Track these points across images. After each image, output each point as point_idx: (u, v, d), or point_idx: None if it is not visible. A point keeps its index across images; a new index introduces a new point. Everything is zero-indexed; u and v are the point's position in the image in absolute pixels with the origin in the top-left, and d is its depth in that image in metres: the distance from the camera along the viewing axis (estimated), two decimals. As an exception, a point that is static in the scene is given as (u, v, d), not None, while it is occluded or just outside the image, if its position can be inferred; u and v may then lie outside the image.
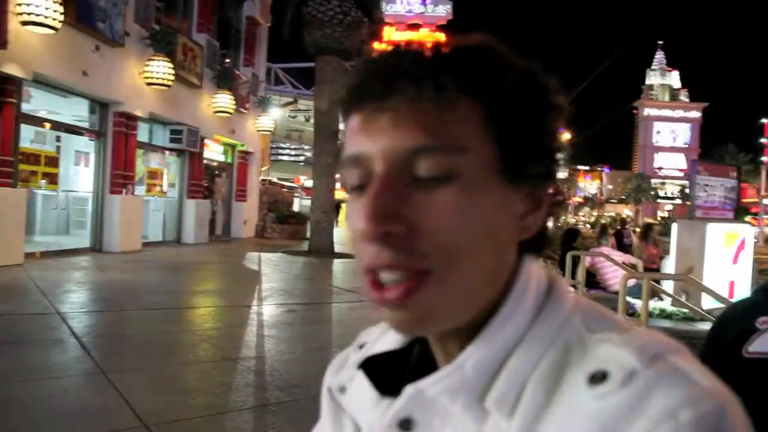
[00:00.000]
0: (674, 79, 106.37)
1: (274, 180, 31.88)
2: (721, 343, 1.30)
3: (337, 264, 12.70)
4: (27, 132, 9.89)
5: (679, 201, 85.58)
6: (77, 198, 12.51)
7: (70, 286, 7.64)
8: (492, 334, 0.46)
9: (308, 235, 14.95)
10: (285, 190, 24.85)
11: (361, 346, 0.61)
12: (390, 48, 0.48)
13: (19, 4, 8.25)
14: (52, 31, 8.68)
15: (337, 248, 14.75)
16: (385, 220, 0.43)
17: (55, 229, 12.48)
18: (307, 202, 18.13)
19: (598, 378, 0.40)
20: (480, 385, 0.45)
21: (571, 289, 0.51)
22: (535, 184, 0.49)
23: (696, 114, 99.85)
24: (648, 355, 0.40)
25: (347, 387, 0.56)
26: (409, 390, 0.47)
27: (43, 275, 8.02)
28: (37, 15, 8.31)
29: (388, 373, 0.53)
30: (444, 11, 41.22)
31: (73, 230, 13.02)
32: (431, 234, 0.44)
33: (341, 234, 16.70)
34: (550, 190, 0.50)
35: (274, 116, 18.70)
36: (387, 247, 0.44)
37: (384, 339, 0.58)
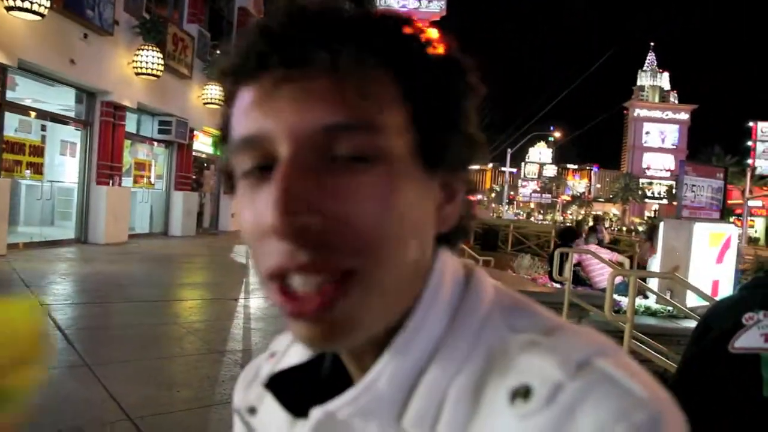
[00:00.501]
0: (665, 80, 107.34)
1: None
2: (707, 339, 1.31)
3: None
4: (11, 120, 9.74)
5: (665, 201, 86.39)
6: (63, 188, 12.38)
7: (55, 278, 7.55)
8: (406, 342, 0.41)
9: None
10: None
11: (272, 355, 0.55)
12: (291, 6, 0.41)
13: (5, -10, 8.13)
14: (38, 18, 8.55)
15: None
16: (298, 211, 0.36)
17: (40, 219, 12.33)
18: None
19: (521, 393, 0.36)
20: (396, 403, 0.40)
21: (491, 279, 0.46)
22: (452, 173, 0.44)
23: (684, 116, 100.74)
24: (574, 363, 0.36)
25: (257, 407, 0.51)
26: (316, 414, 0.42)
27: (27, 266, 7.93)
28: (23, 1, 8.18)
29: (299, 391, 0.47)
30: (438, 7, 41.15)
31: (58, 221, 12.89)
32: (354, 225, 0.37)
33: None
34: (465, 181, 0.46)
35: (264, 109, 18.63)
36: (302, 244, 0.37)
37: (294, 349, 0.52)
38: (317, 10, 0.40)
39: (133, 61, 11.64)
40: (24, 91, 10.36)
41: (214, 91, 14.76)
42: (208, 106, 14.94)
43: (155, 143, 14.05)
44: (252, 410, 0.51)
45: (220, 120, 0.45)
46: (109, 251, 10.40)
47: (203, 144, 16.50)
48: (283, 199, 0.36)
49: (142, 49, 11.62)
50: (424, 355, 0.41)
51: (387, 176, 0.38)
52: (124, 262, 9.28)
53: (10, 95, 9.27)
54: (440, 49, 0.43)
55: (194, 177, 15.73)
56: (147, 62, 11.63)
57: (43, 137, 11.66)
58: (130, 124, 12.74)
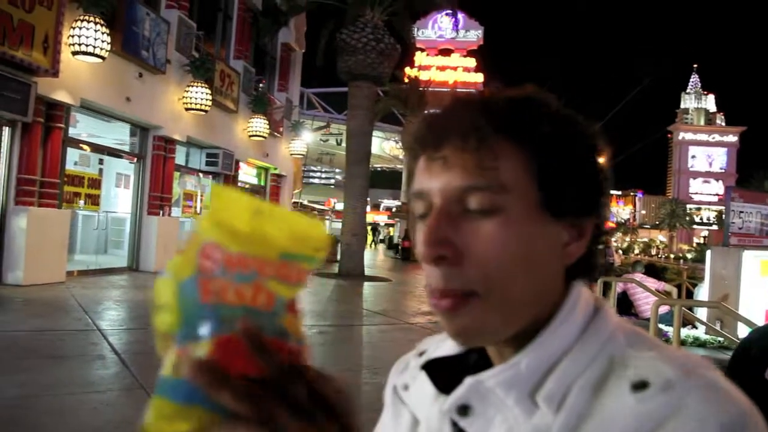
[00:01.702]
0: (710, 102, 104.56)
1: (305, 203, 32.26)
2: (743, 366, 1.35)
3: (367, 287, 12.78)
4: (72, 155, 10.31)
5: (715, 227, 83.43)
6: (116, 219, 12.91)
7: (110, 304, 7.88)
8: (544, 341, 0.53)
9: (338, 257, 15.08)
10: (316, 212, 25.12)
11: (420, 353, 0.69)
12: (443, 104, 0.58)
13: (71, 35, 8.69)
14: (99, 60, 9.10)
15: (368, 271, 14.84)
16: (437, 245, 0.52)
17: (95, 248, 12.87)
18: (338, 225, 18.32)
19: (639, 386, 0.48)
20: (531, 382, 0.52)
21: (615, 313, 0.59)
22: (577, 217, 0.55)
23: (733, 138, 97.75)
24: (684, 368, 0.48)
25: (410, 385, 0.65)
26: (469, 380, 0.54)
27: (84, 293, 8.30)
28: (87, 45, 8.74)
29: (447, 374, 0.60)
30: (475, 36, 41.48)
31: (111, 250, 13.39)
32: (476, 260, 0.52)
33: (371, 257, 16.74)
34: (595, 221, 0.57)
35: (306, 140, 19.05)
36: (439, 268, 0.53)
37: (443, 346, 0.66)
38: (452, 105, 0.57)
39: (183, 97, 12.17)
40: (83, 127, 10.96)
41: (259, 124, 15.24)
42: (252, 138, 15.41)
43: (202, 174, 14.54)
44: (406, 386, 0.66)
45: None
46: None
47: (248, 175, 16.98)
48: (428, 236, 0.53)
49: (192, 86, 12.15)
50: (557, 353, 0.53)
51: (505, 224, 0.52)
52: (174, 290, 9.57)
53: (71, 132, 9.83)
54: (560, 117, 0.55)
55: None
56: (196, 98, 12.15)
57: (101, 170, 12.25)
58: (180, 157, 13.25)
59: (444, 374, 0.61)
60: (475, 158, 0.52)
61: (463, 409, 0.54)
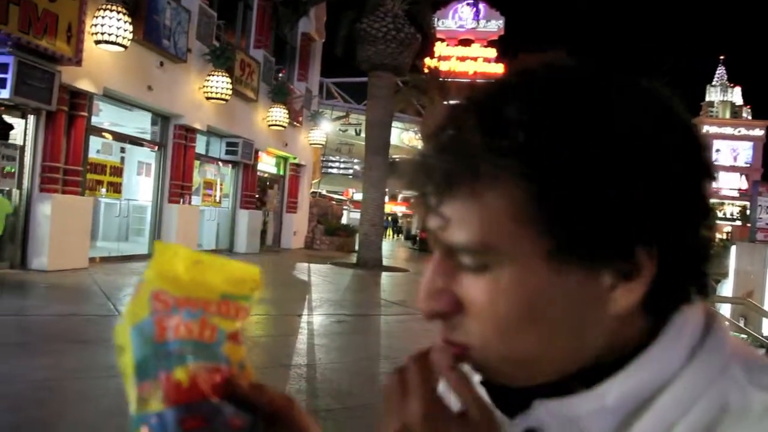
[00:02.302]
0: (737, 95, 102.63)
1: (324, 193, 32.36)
2: None
3: (385, 277, 12.81)
4: (95, 143, 10.43)
5: (738, 222, 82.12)
6: (137, 206, 13.07)
7: (131, 290, 7.92)
8: (637, 371, 0.45)
9: (357, 247, 15.11)
10: (334, 202, 25.20)
11: None
12: (427, 141, 0.48)
13: (94, 24, 8.78)
14: (121, 49, 9.18)
15: (385, 261, 14.87)
16: (431, 299, 0.47)
17: (117, 235, 13.05)
18: (356, 215, 18.33)
19: None
20: (620, 415, 0.44)
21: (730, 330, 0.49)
22: (614, 256, 0.43)
23: (759, 132, 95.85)
24: None
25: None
26: (538, 405, 0.48)
27: (106, 279, 8.43)
28: (110, 34, 8.82)
29: (506, 389, 0.53)
30: (496, 26, 41.04)
31: (132, 237, 13.57)
32: (472, 315, 0.46)
33: (389, 247, 16.76)
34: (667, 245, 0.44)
35: (325, 130, 19.07)
36: (435, 321, 0.48)
37: None
38: (435, 144, 0.46)
39: (204, 86, 12.23)
40: (106, 115, 11.09)
41: (278, 114, 15.28)
42: (272, 127, 15.47)
43: (222, 163, 14.64)
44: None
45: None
46: (180, 267, 10.87)
47: (267, 164, 17.06)
48: (423, 288, 0.48)
49: (212, 75, 12.20)
50: (653, 386, 0.44)
51: (494, 284, 0.44)
52: (194, 278, 9.69)
53: (94, 120, 9.94)
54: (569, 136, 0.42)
55: (258, 196, 16.25)
56: (216, 87, 12.21)
57: (122, 158, 12.40)
58: (200, 146, 13.35)
59: (503, 387, 0.55)
60: (465, 210, 0.44)
61: None
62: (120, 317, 0.48)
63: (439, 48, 38.42)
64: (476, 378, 0.60)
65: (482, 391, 0.55)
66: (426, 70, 27.11)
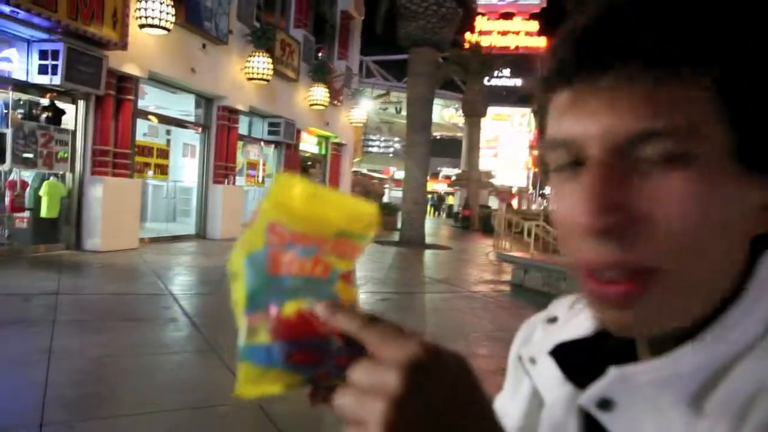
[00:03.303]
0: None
1: (365, 171, 32.40)
2: None
3: (428, 254, 12.77)
4: (141, 126, 10.67)
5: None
6: (183, 188, 13.36)
7: (180, 270, 8.20)
8: (719, 334, 0.41)
9: (399, 226, 15.09)
10: (376, 181, 25.22)
11: (551, 320, 0.59)
12: (599, 9, 0.41)
13: (138, 9, 8.91)
14: (165, 32, 9.30)
15: (428, 239, 14.82)
16: (606, 212, 0.39)
17: (164, 216, 13.39)
18: (397, 194, 18.30)
19: None
20: (696, 383, 0.41)
21: None
22: None
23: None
24: None
25: (537, 360, 0.55)
26: (613, 372, 0.44)
27: (155, 259, 8.66)
28: (153, 18, 8.94)
29: (577, 359, 0.51)
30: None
31: (179, 218, 13.92)
32: (661, 227, 0.39)
33: (431, 225, 16.71)
34: None
35: (365, 108, 19.01)
36: (608, 242, 0.39)
37: (576, 321, 0.55)
38: (614, 13, 0.40)
39: (245, 67, 12.31)
40: (151, 99, 11.31)
41: (319, 93, 15.29)
42: (313, 107, 15.50)
43: (264, 144, 14.78)
44: (533, 360, 0.56)
45: (538, 116, 0.47)
46: (226, 246, 11.06)
47: (308, 144, 17.15)
48: (591, 201, 0.39)
49: (253, 56, 12.27)
50: (733, 350, 0.40)
51: (698, 179, 0.38)
52: (240, 257, 9.87)
53: (140, 104, 10.15)
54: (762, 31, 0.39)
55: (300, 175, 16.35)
56: (258, 68, 12.27)
57: (168, 141, 12.66)
58: (243, 127, 13.49)
59: (574, 357, 0.52)
60: (654, 90, 0.38)
61: (604, 403, 0.44)
62: (235, 244, 0.46)
63: (480, 22, 37.70)
64: (547, 331, 0.57)
65: (552, 364, 0.53)
66: (467, 46, 26.66)
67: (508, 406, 0.60)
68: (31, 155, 7.99)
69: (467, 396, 0.38)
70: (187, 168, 13.71)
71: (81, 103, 8.75)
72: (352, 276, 0.47)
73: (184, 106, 12.28)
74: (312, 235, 0.44)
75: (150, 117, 11.12)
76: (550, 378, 0.53)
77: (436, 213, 38.02)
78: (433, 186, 39.53)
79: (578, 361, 0.51)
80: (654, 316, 0.41)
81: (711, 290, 0.42)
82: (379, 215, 0.46)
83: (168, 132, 13.00)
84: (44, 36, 7.85)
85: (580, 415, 0.48)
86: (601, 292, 0.41)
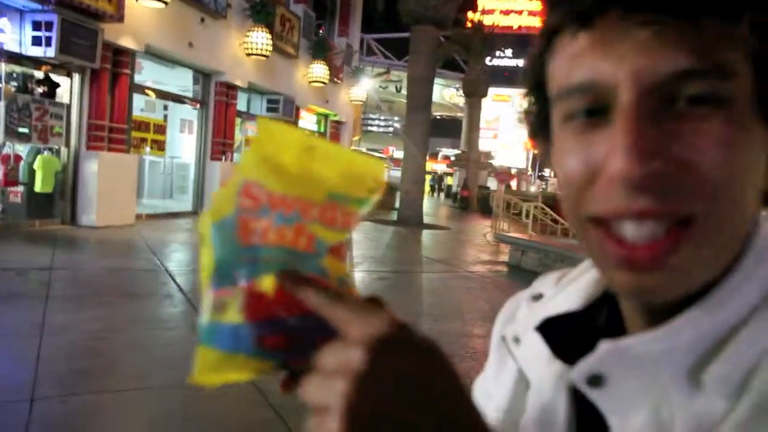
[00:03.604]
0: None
1: (364, 150, 32.29)
2: None
3: (426, 234, 12.75)
4: (138, 101, 10.54)
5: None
6: (181, 164, 13.26)
7: (176, 246, 8.16)
8: (718, 302, 0.39)
9: (397, 205, 15.05)
10: (375, 160, 25.09)
11: (535, 297, 0.57)
12: None
13: (134, -21, 8.74)
14: (162, 5, 9.13)
15: (426, 219, 14.79)
16: (648, 157, 0.36)
17: (161, 192, 13.32)
18: (396, 173, 18.25)
19: None
20: (694, 355, 0.39)
21: None
22: None
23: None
24: None
25: (521, 338, 0.52)
26: (605, 345, 0.41)
27: (152, 235, 8.61)
28: (150, -11, 8.77)
29: (565, 334, 0.49)
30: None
31: (176, 194, 13.85)
32: (697, 171, 0.36)
33: (430, 205, 16.69)
34: None
35: (365, 87, 18.84)
36: (647, 189, 0.37)
37: (562, 296, 0.53)
38: None
39: (244, 42, 12.13)
40: (148, 73, 11.15)
41: (319, 70, 15.12)
42: (312, 84, 15.34)
43: (263, 121, 14.63)
44: (517, 340, 0.53)
45: (529, 68, 0.45)
46: (223, 224, 11.05)
47: (308, 122, 17.01)
48: (634, 146, 0.36)
49: (253, 31, 12.08)
50: (733, 320, 0.39)
51: (731, 122, 0.37)
52: (237, 234, 9.83)
53: (137, 78, 10.01)
54: None
55: (299, 154, 16.25)
56: (257, 43, 12.09)
57: (165, 116, 12.53)
58: (241, 103, 13.35)
59: (562, 333, 0.49)
60: (696, 29, 0.36)
61: (595, 379, 0.42)
62: (205, 207, 0.39)
63: (483, 1, 37.25)
64: (532, 309, 0.54)
65: (540, 341, 0.49)
66: (469, 25, 26.36)
67: (492, 388, 0.57)
68: (25, 129, 7.89)
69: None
70: (184, 144, 13.60)
71: (76, 77, 8.62)
72: (343, 249, 0.40)
73: (181, 81, 12.13)
74: (295, 198, 0.37)
75: (147, 92, 10.98)
76: (537, 356, 0.49)
77: (435, 193, 37.97)
78: (432, 166, 39.42)
79: (566, 336, 0.48)
80: (682, 275, 0.38)
81: (735, 245, 0.40)
82: (384, 175, 0.40)
83: (165, 107, 12.87)
84: (37, 6, 7.69)
85: (569, 393, 0.45)
86: (623, 254, 0.38)
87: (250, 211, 0.38)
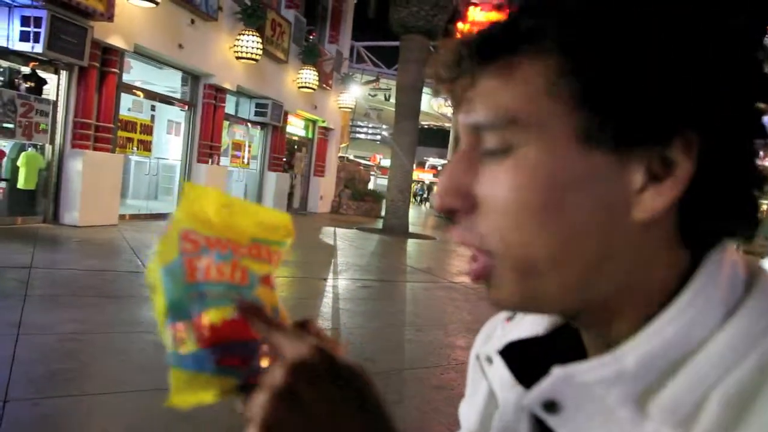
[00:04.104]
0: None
1: (351, 157, 32.25)
2: None
3: (411, 243, 12.75)
4: (126, 101, 10.45)
5: (776, 201, 79.83)
6: (167, 165, 13.16)
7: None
8: (661, 328, 0.39)
9: (383, 213, 15.04)
10: (362, 168, 25.15)
11: (509, 317, 0.58)
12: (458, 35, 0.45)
13: (125, -22, 8.69)
14: (153, 5, 9.09)
15: (412, 228, 14.80)
16: (447, 194, 0.42)
17: (146, 193, 13.20)
18: (383, 181, 18.25)
19: None
20: (642, 382, 0.39)
21: None
22: (653, 144, 0.37)
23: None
24: None
25: (493, 359, 0.53)
26: (557, 372, 0.42)
27: (135, 236, 8.53)
28: (141, -11, 8.72)
29: (530, 358, 0.49)
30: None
31: (161, 196, 13.74)
32: (486, 210, 0.41)
33: (416, 214, 16.69)
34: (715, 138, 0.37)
35: (354, 94, 18.86)
36: (455, 222, 0.43)
37: (530, 318, 0.54)
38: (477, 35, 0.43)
39: (234, 45, 12.10)
40: (137, 73, 11.06)
41: (308, 76, 15.12)
42: (301, 90, 15.33)
43: (251, 125, 14.60)
44: (489, 359, 0.53)
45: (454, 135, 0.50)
46: (207, 227, 10.97)
47: (296, 127, 16.98)
48: (441, 183, 0.43)
49: (243, 34, 12.06)
50: (683, 345, 0.38)
51: (516, 167, 0.39)
52: (221, 238, 9.76)
53: (125, 77, 9.93)
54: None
55: (286, 159, 16.23)
56: (247, 47, 12.07)
57: (152, 117, 12.44)
58: (229, 106, 13.30)
59: (527, 357, 0.50)
60: (484, 85, 0.41)
61: (551, 405, 0.42)
62: (150, 256, 0.47)
63: (473, 13, 37.65)
64: (505, 331, 0.55)
65: (501, 363, 0.50)
66: (458, 35, 26.53)
67: (465, 408, 0.58)
68: (10, 125, 7.78)
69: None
70: (171, 145, 13.51)
71: (63, 74, 8.54)
72: (272, 279, 0.47)
73: (170, 82, 12.06)
74: (226, 240, 0.45)
75: (135, 92, 10.89)
76: (503, 378, 0.50)
77: (422, 203, 37.99)
78: (418, 175, 39.47)
79: (530, 361, 0.49)
80: (506, 294, 0.42)
81: (585, 277, 0.40)
82: (292, 225, 0.48)
83: (153, 108, 12.77)
84: (27, 1, 7.62)
85: (530, 418, 0.46)
86: (469, 272, 0.44)
87: (192, 253, 0.45)
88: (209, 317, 0.43)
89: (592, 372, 0.40)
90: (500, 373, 0.51)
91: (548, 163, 0.38)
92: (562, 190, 0.38)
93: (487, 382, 0.54)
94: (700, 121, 0.37)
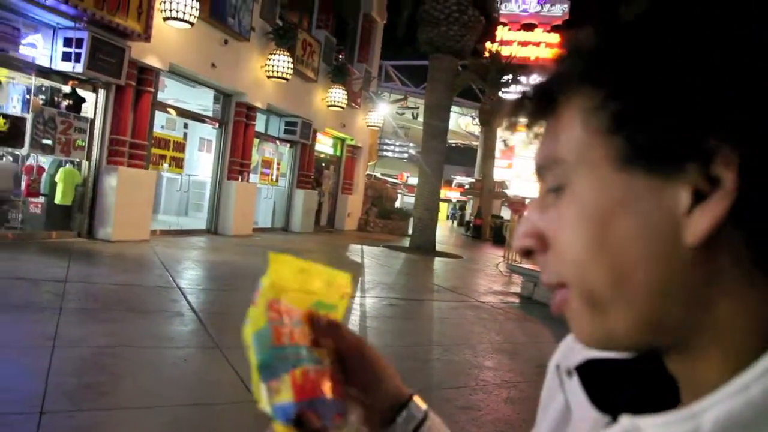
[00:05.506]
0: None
1: (379, 175, 32.38)
2: None
3: (438, 262, 12.70)
4: (159, 118, 10.70)
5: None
6: (197, 182, 13.39)
7: (189, 264, 8.19)
8: (747, 384, 0.34)
9: (410, 231, 15.03)
10: (389, 185, 25.23)
11: None
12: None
13: (163, 2, 8.95)
14: (188, 26, 9.34)
15: (438, 247, 14.74)
16: (524, 236, 0.45)
17: (177, 210, 13.43)
18: (410, 199, 18.26)
19: None
20: None
21: None
22: (693, 166, 0.35)
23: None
24: None
25: (573, 373, 0.51)
26: (624, 422, 0.39)
27: (166, 251, 8.67)
28: (177, 11, 8.99)
29: (609, 379, 0.48)
30: (560, 11, 39.80)
31: (191, 212, 13.95)
32: (555, 248, 0.43)
33: (441, 233, 16.63)
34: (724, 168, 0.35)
35: (382, 112, 18.99)
36: (533, 262, 0.45)
37: None
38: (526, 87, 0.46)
39: (266, 64, 12.33)
40: (171, 92, 11.35)
41: (337, 95, 15.30)
42: (330, 108, 15.50)
43: (280, 142, 14.80)
44: (569, 373, 0.52)
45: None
46: (236, 243, 11.10)
47: (324, 145, 17.15)
48: (520, 226, 0.46)
49: (274, 54, 12.29)
50: (761, 410, 0.34)
51: (569, 203, 0.41)
52: (250, 254, 9.85)
53: (159, 96, 10.19)
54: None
55: (314, 176, 16.37)
56: (278, 66, 12.29)
57: (185, 134, 12.70)
58: (260, 124, 13.51)
59: (604, 377, 0.48)
60: (548, 128, 0.44)
61: None
62: (245, 319, 0.55)
63: (501, 32, 37.61)
64: (577, 359, 0.53)
65: (578, 388, 0.49)
66: (487, 55, 26.58)
67: (538, 418, 0.57)
68: (49, 141, 8.03)
69: None
70: (202, 162, 13.75)
71: (101, 92, 8.80)
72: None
73: (202, 101, 12.32)
74: (299, 310, 0.55)
75: (168, 110, 11.17)
76: (582, 395, 0.49)
77: (451, 221, 37.82)
78: (445, 194, 39.38)
79: (609, 381, 0.49)
80: (582, 331, 0.43)
81: (649, 309, 0.39)
82: (351, 285, 0.60)
83: (185, 125, 13.05)
84: (70, 24, 7.91)
85: None
86: (552, 305, 0.45)
87: (277, 321, 0.54)
88: (294, 376, 0.52)
89: (661, 429, 0.37)
90: (577, 389, 0.50)
91: (592, 193, 0.40)
92: (608, 217, 0.38)
93: (564, 396, 0.52)
94: (736, 133, 0.35)
